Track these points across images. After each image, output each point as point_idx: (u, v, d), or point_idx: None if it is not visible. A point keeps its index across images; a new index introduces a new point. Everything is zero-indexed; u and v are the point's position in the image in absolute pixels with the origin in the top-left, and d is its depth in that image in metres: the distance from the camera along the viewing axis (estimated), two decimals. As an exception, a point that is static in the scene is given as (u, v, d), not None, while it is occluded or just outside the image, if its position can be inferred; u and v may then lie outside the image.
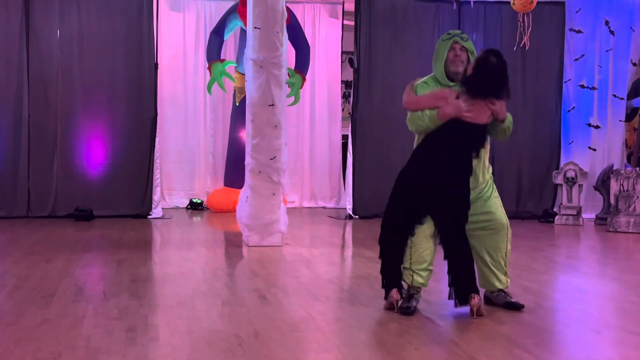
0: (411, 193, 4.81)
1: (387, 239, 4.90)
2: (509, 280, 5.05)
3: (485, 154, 4.90)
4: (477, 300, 4.69)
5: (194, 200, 10.80)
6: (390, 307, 4.81)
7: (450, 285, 4.78)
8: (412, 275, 4.83)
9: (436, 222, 4.76)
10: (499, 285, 4.99)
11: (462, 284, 4.73)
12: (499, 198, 5.05)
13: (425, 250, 4.78)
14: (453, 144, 4.70)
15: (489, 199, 4.94)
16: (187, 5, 10.99)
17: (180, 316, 4.67)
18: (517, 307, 4.92)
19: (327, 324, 4.57)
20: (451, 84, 4.81)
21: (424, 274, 4.82)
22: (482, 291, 5.02)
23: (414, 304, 4.85)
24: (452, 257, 4.76)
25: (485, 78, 4.62)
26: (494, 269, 4.96)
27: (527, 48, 8.82)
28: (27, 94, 9.54)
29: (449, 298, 4.80)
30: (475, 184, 4.86)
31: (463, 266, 4.76)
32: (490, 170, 5.03)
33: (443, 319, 4.72)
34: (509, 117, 4.85)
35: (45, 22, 9.61)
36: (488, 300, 5.09)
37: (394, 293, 4.77)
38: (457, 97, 4.65)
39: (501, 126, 4.83)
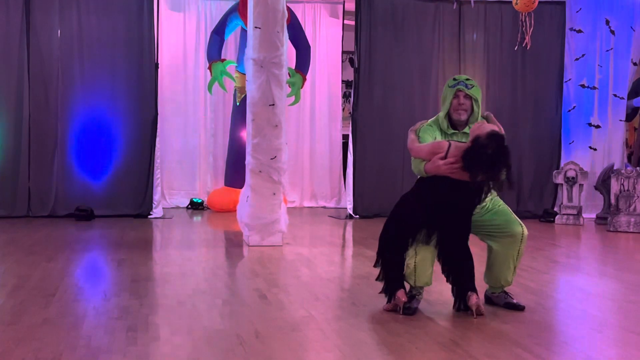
0: (416, 208, 4.73)
1: (387, 246, 4.84)
2: (512, 280, 5.05)
3: None
4: (475, 299, 4.69)
5: (195, 200, 10.79)
6: (393, 309, 4.78)
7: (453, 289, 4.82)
8: (415, 275, 4.85)
9: (439, 237, 4.73)
10: (503, 283, 4.99)
11: (461, 285, 4.75)
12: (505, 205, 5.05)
13: (427, 258, 4.80)
14: (452, 194, 4.66)
15: (498, 208, 4.94)
16: (188, 5, 10.98)
17: (180, 316, 4.67)
18: (518, 308, 4.92)
19: (328, 323, 4.57)
20: (451, 131, 4.85)
21: (428, 271, 4.83)
22: (481, 291, 5.02)
23: (415, 304, 4.86)
24: (450, 260, 4.78)
25: (479, 165, 4.46)
26: (504, 268, 4.94)
27: (528, 47, 8.82)
28: (27, 93, 9.53)
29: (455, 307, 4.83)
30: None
31: (461, 266, 4.77)
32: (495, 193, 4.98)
33: (444, 318, 4.72)
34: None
35: (46, 22, 9.61)
36: (489, 300, 5.09)
37: (401, 295, 4.73)
38: (445, 156, 4.57)
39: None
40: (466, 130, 4.84)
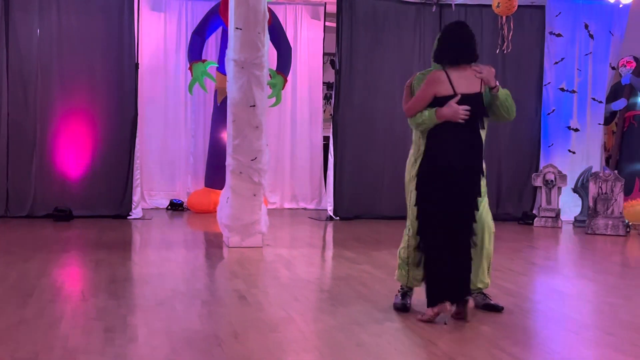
0: (442, 176, 4.68)
1: (431, 240, 4.71)
2: (489, 282, 5.08)
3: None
4: (472, 303, 4.70)
5: (174, 201, 10.75)
6: (431, 319, 4.63)
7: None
8: (408, 278, 4.89)
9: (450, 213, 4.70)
10: (480, 286, 5.02)
11: (463, 284, 4.72)
12: (487, 201, 5.08)
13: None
14: (458, 123, 4.66)
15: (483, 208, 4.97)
16: (168, 5, 10.93)
17: (159, 317, 4.65)
18: (496, 309, 4.95)
19: (307, 324, 4.57)
20: None
21: (419, 276, 4.87)
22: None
23: (409, 301, 4.94)
24: (457, 253, 4.71)
25: (449, 44, 4.78)
26: (479, 270, 4.97)
27: (508, 51, 8.87)
28: (6, 93, 9.44)
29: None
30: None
31: (465, 266, 4.73)
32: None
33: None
34: (504, 91, 4.85)
35: (25, 21, 9.52)
36: None
37: (448, 305, 4.60)
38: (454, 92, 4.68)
39: (497, 101, 4.83)
40: None
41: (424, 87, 4.74)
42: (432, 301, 4.64)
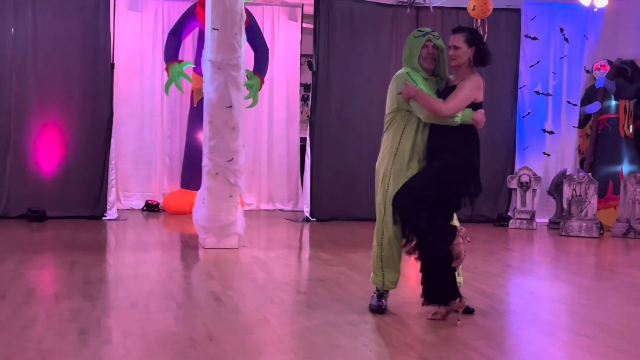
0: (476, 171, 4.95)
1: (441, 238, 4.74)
2: (462, 282, 5.10)
3: None
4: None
5: (150, 202, 10.69)
6: (444, 317, 4.73)
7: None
8: (384, 282, 4.91)
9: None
10: None
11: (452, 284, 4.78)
12: None
13: (397, 250, 4.85)
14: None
15: None
16: (145, 5, 10.88)
17: (133, 318, 4.62)
18: (468, 311, 4.96)
19: (282, 326, 4.57)
20: (427, 76, 4.90)
21: (393, 278, 4.90)
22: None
23: (385, 302, 4.96)
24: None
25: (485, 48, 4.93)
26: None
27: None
28: (-21, 93, 9.35)
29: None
30: None
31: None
32: None
33: (398, 322, 4.74)
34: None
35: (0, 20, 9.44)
36: None
37: (458, 301, 4.72)
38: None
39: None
40: (438, 80, 4.96)
41: (473, 90, 4.78)
42: (445, 298, 4.69)
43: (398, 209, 4.72)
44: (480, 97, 4.82)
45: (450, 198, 4.78)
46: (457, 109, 4.71)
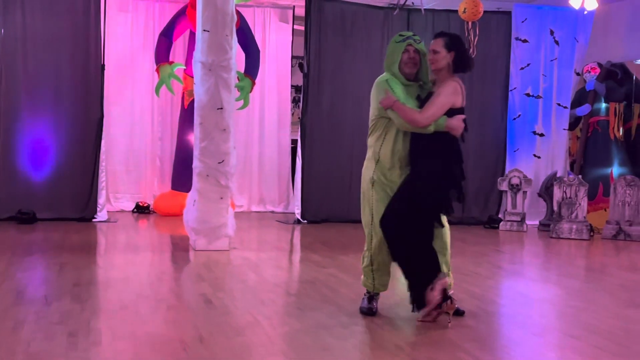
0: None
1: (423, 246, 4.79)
2: (452, 283, 5.10)
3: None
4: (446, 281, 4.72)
5: (141, 204, 10.66)
6: (434, 319, 4.72)
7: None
8: (374, 284, 4.92)
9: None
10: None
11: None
12: None
13: (387, 253, 4.85)
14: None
15: None
16: (136, 6, 10.86)
17: (123, 321, 4.60)
18: (458, 313, 4.97)
19: (273, 328, 4.56)
20: (407, 82, 4.87)
21: (384, 281, 4.93)
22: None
23: (375, 304, 4.96)
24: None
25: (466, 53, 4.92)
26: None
27: (474, 56, 8.94)
28: (-31, 93, 9.31)
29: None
30: None
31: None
32: None
33: (389, 323, 4.74)
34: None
35: (-11, 21, 9.40)
36: None
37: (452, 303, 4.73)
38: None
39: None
40: (423, 85, 4.93)
41: (449, 96, 4.72)
42: (431, 279, 4.68)
43: (384, 234, 4.75)
44: (458, 102, 4.76)
45: (430, 211, 4.77)
46: (434, 117, 4.66)
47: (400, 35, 4.95)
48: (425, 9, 10.37)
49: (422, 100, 4.81)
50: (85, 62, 9.73)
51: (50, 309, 4.83)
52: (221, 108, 7.25)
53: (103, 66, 9.77)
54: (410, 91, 4.85)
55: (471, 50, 8.78)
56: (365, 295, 5.03)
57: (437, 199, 4.74)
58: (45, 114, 9.62)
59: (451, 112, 4.73)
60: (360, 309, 4.97)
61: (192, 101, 8.75)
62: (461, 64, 4.81)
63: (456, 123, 4.71)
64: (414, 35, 4.95)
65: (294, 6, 11.35)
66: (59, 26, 9.63)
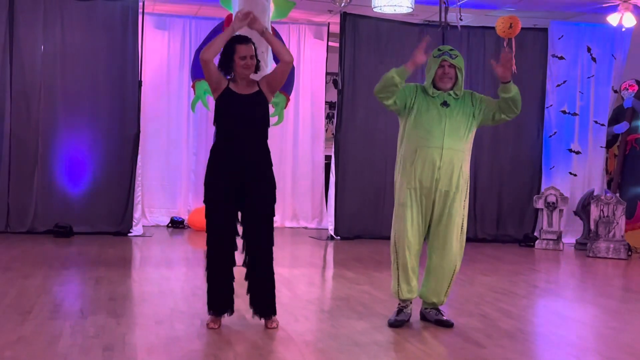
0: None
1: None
2: (446, 299, 5.10)
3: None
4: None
5: (175, 218, 10.73)
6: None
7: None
8: (399, 290, 4.92)
9: None
10: (434, 300, 5.06)
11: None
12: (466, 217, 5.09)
13: (412, 258, 4.89)
14: None
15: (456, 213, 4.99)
16: (172, 23, 10.99)
17: (158, 335, 4.62)
18: (447, 325, 4.97)
19: (306, 345, 4.55)
20: (436, 93, 5.04)
21: (409, 286, 4.97)
22: (416, 307, 5.13)
23: (405, 317, 4.98)
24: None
25: None
26: (441, 284, 5.01)
27: (514, 73, 8.88)
28: (9, 109, 9.45)
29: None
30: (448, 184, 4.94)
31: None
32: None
33: (422, 342, 4.69)
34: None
35: (29, 37, 9.56)
36: (422, 317, 5.18)
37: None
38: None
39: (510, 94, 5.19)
40: (451, 92, 5.03)
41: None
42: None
43: None
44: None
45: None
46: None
47: (439, 50, 5.00)
48: (461, 26, 10.32)
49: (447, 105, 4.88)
50: (123, 78, 9.86)
51: (86, 322, 4.87)
52: (256, 124, 7.26)
53: (140, 82, 9.90)
54: (434, 101, 4.97)
55: (513, 67, 8.70)
56: (396, 307, 5.07)
57: None
58: (82, 130, 9.76)
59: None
60: (388, 321, 5.01)
61: (227, 117, 8.81)
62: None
63: None
64: (451, 49, 4.96)
65: (328, 23, 11.40)
66: (97, 43, 9.78)
